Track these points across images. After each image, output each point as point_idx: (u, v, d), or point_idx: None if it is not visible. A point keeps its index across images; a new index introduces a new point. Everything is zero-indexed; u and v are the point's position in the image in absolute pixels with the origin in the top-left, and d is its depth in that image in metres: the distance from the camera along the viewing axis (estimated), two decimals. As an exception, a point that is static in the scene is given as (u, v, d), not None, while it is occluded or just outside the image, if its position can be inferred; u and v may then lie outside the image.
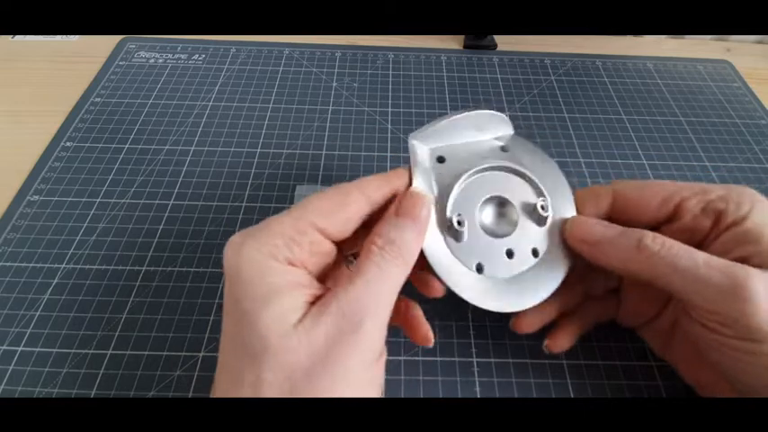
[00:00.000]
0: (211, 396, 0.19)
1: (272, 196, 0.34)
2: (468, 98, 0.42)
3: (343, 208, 0.21)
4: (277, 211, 0.33)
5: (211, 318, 0.28)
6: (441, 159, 0.25)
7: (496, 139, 0.27)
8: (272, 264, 0.19)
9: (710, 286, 0.20)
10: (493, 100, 0.42)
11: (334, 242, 0.22)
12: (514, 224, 0.24)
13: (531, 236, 0.24)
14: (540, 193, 0.25)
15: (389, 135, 0.39)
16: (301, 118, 0.40)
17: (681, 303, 0.24)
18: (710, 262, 0.20)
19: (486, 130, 0.26)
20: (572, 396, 0.26)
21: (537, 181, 0.25)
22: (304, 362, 0.18)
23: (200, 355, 0.27)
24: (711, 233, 0.23)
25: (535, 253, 0.24)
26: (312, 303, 0.19)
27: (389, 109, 0.41)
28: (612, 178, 0.37)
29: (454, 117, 0.25)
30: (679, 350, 0.25)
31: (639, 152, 0.39)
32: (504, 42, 0.48)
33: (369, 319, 0.19)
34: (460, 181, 0.24)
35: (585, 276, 0.26)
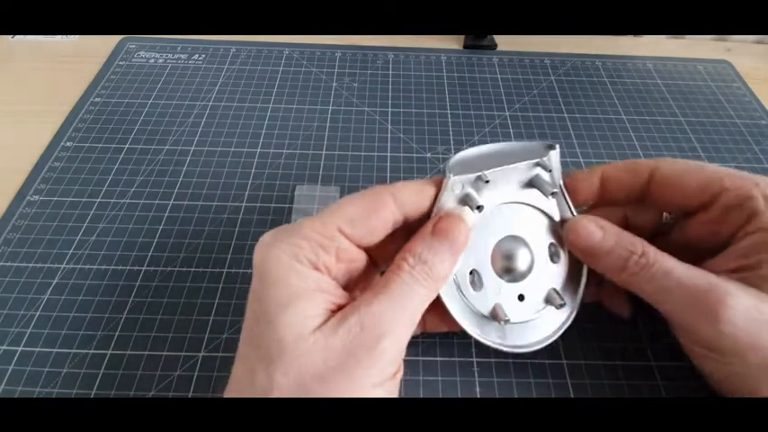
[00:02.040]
0: (226, 389, 0.19)
1: (272, 196, 0.34)
2: (468, 98, 0.42)
3: (373, 215, 0.21)
4: (277, 211, 0.33)
5: (211, 318, 0.28)
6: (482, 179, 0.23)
7: (531, 161, 0.24)
8: (296, 266, 0.19)
9: (683, 303, 0.21)
10: (493, 100, 0.42)
11: (364, 248, 0.22)
12: (528, 268, 0.24)
13: (545, 278, 0.24)
14: (556, 237, 0.24)
15: (389, 135, 0.39)
16: (301, 118, 0.40)
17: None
18: (686, 278, 0.21)
19: (522, 156, 0.24)
20: (572, 396, 0.26)
21: (557, 218, 0.24)
22: (318, 368, 0.18)
23: (200, 355, 0.27)
24: (741, 230, 0.23)
25: (549, 299, 0.24)
26: (334, 311, 0.19)
27: (389, 109, 0.41)
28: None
29: (487, 147, 0.24)
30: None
31: (639, 152, 0.39)
32: (504, 42, 0.48)
33: (388, 337, 0.19)
34: (481, 215, 0.23)
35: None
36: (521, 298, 0.24)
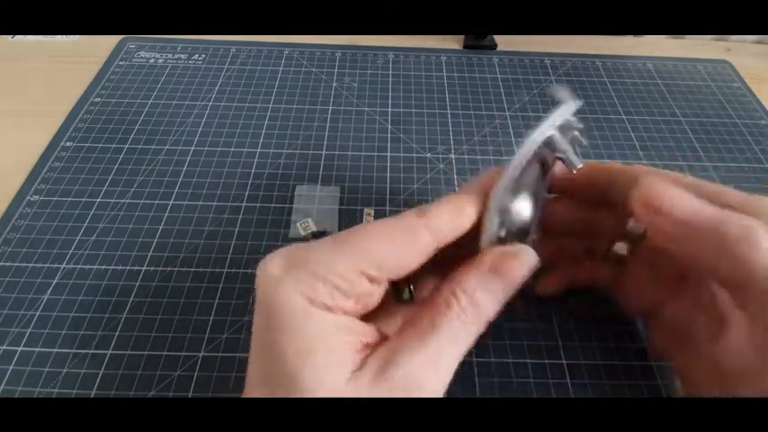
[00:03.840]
0: None
1: (272, 196, 0.34)
2: (468, 98, 0.42)
3: (404, 255, 0.18)
4: (277, 211, 0.33)
5: (211, 318, 0.28)
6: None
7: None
8: (311, 310, 0.17)
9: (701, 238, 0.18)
10: (493, 100, 0.42)
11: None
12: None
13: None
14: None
15: (389, 135, 0.39)
16: (301, 118, 0.40)
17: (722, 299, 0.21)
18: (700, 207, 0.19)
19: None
20: (572, 396, 0.26)
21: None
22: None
23: (200, 355, 0.27)
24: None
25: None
26: (364, 347, 0.18)
27: (389, 109, 0.41)
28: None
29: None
30: (693, 350, 0.23)
31: (639, 152, 0.39)
32: (504, 42, 0.48)
33: (434, 389, 0.17)
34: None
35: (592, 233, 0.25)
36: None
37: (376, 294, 0.19)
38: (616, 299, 0.27)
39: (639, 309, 0.26)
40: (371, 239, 0.18)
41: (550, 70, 0.46)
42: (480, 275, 0.18)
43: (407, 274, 0.19)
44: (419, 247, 0.18)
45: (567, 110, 0.22)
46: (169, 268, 0.30)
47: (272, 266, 0.18)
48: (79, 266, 0.30)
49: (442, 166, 0.37)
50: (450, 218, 0.19)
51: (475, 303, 0.18)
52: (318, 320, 0.17)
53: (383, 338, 0.19)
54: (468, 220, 0.19)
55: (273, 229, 0.32)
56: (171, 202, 0.34)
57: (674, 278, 0.24)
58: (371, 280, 0.18)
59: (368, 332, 0.19)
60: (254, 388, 0.18)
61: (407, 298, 0.21)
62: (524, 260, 0.19)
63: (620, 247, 0.26)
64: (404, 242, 0.18)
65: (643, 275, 0.25)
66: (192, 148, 0.37)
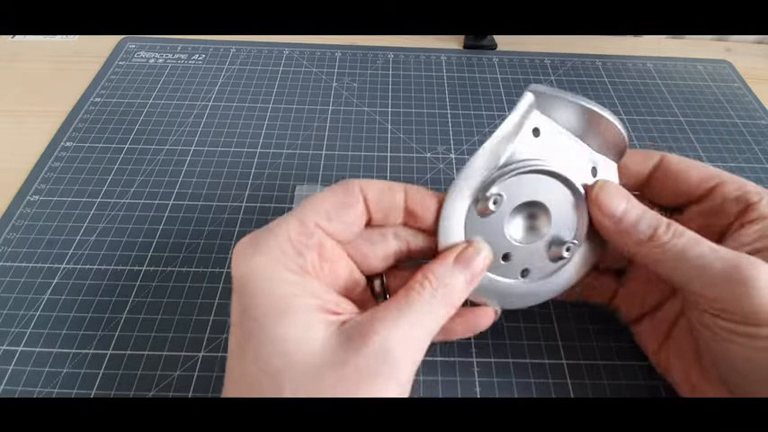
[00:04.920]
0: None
1: (272, 196, 0.34)
2: (468, 98, 0.42)
3: (346, 208, 0.21)
4: (277, 211, 0.33)
5: (211, 318, 0.28)
6: (536, 132, 0.22)
7: (597, 152, 0.24)
8: (283, 273, 0.19)
9: (714, 273, 0.20)
10: (493, 100, 0.42)
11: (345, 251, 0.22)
12: (533, 240, 0.23)
13: (535, 258, 0.23)
14: (577, 236, 0.23)
15: (389, 135, 0.39)
16: (301, 118, 0.40)
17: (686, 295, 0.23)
18: (716, 251, 0.20)
19: (596, 138, 0.23)
20: (572, 396, 0.26)
21: (586, 223, 0.23)
22: (331, 384, 0.17)
23: (200, 355, 0.27)
24: (737, 221, 0.23)
25: (524, 273, 0.23)
26: (336, 315, 0.19)
27: (389, 109, 0.41)
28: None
29: (584, 102, 0.22)
30: (675, 350, 0.25)
31: (639, 152, 0.39)
32: (504, 42, 0.48)
33: (407, 362, 0.18)
34: (530, 168, 0.21)
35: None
36: (505, 257, 0.22)
37: (337, 258, 0.21)
38: (615, 308, 0.27)
39: (633, 316, 0.27)
40: (317, 199, 0.21)
41: (550, 70, 0.46)
42: (445, 263, 0.21)
43: (355, 234, 0.22)
44: (356, 202, 0.21)
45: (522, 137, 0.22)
46: (169, 268, 0.30)
47: (242, 246, 0.20)
48: (79, 266, 0.30)
49: (442, 166, 0.37)
50: (380, 186, 0.22)
51: (444, 285, 0.20)
52: (290, 280, 0.19)
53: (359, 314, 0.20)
54: (396, 200, 0.22)
55: (273, 229, 0.32)
56: (171, 202, 0.34)
57: (668, 286, 0.25)
58: (326, 233, 0.21)
59: (341, 303, 0.20)
60: (230, 351, 0.19)
61: (379, 292, 0.23)
62: (480, 250, 0.21)
63: (622, 260, 0.26)
64: (342, 197, 0.21)
65: (640, 286, 0.26)
66: (192, 148, 0.37)
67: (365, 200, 0.21)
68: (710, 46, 0.51)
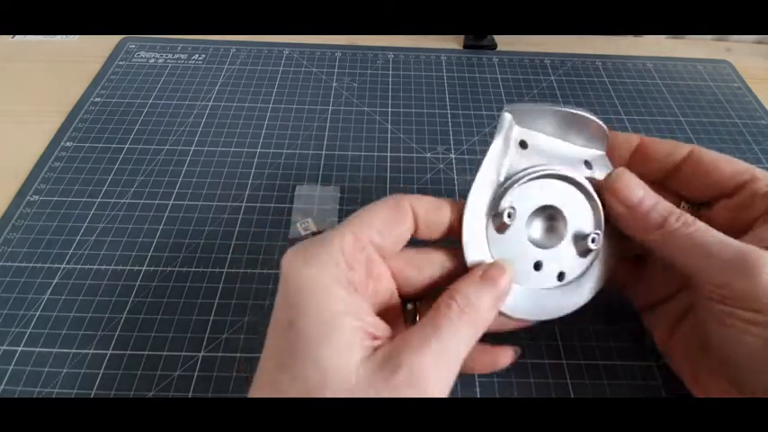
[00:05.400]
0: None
1: (272, 196, 0.34)
2: (468, 98, 0.42)
3: (398, 224, 0.21)
4: (277, 211, 0.33)
5: (211, 318, 0.28)
6: (523, 144, 0.24)
7: (585, 148, 0.25)
8: (335, 288, 0.19)
9: (721, 260, 0.20)
10: (493, 100, 0.42)
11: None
12: (558, 242, 0.23)
13: (565, 259, 0.24)
14: (598, 225, 0.24)
15: (389, 135, 0.39)
16: (301, 118, 0.40)
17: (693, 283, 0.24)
18: (725, 240, 0.21)
19: (580, 136, 0.25)
20: (572, 396, 0.26)
21: (602, 212, 0.24)
22: None
23: (200, 355, 0.27)
24: (762, 217, 0.23)
25: (561, 277, 0.24)
26: (374, 339, 0.19)
27: (389, 109, 0.41)
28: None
29: (558, 108, 0.24)
30: (683, 340, 0.25)
31: (639, 152, 0.39)
32: (504, 42, 0.48)
33: (436, 386, 0.18)
34: (533, 175, 0.23)
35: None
36: (537, 266, 0.23)
37: (383, 274, 0.21)
38: (628, 296, 0.27)
39: (648, 303, 0.27)
40: (369, 214, 0.21)
41: (550, 70, 0.46)
42: (471, 282, 0.21)
43: (400, 249, 0.22)
44: (405, 217, 0.21)
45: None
46: (169, 268, 0.30)
47: (296, 253, 0.20)
48: (79, 266, 0.30)
49: (442, 166, 0.37)
50: (428, 204, 0.22)
51: (471, 305, 0.20)
52: (340, 297, 0.19)
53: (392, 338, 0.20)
54: (443, 215, 0.22)
55: (273, 229, 0.32)
56: (171, 202, 0.34)
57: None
58: (377, 249, 0.21)
59: (379, 326, 0.20)
60: (266, 359, 0.19)
61: (410, 314, 0.23)
62: (504, 268, 0.21)
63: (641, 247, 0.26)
64: (394, 212, 0.21)
65: (658, 273, 0.26)
66: (192, 148, 0.37)
67: (415, 215, 0.22)
68: (710, 46, 0.51)
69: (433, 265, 0.23)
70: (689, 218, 0.22)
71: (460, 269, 0.22)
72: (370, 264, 0.21)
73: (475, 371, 0.24)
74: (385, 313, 0.22)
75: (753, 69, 0.47)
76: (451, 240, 0.23)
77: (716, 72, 0.47)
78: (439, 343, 0.19)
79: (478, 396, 0.26)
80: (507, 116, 0.23)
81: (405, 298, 0.23)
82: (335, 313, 0.18)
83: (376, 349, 0.19)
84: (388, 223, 0.21)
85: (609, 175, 0.24)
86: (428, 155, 0.38)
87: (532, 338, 0.28)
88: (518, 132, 0.24)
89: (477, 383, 0.26)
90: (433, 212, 0.22)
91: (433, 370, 0.18)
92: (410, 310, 0.23)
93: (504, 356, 0.24)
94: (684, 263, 0.22)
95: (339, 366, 0.17)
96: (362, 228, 0.20)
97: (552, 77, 0.45)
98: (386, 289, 0.22)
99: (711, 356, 0.23)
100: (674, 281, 0.26)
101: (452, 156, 0.38)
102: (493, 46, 0.48)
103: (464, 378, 0.26)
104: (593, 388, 0.26)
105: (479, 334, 0.20)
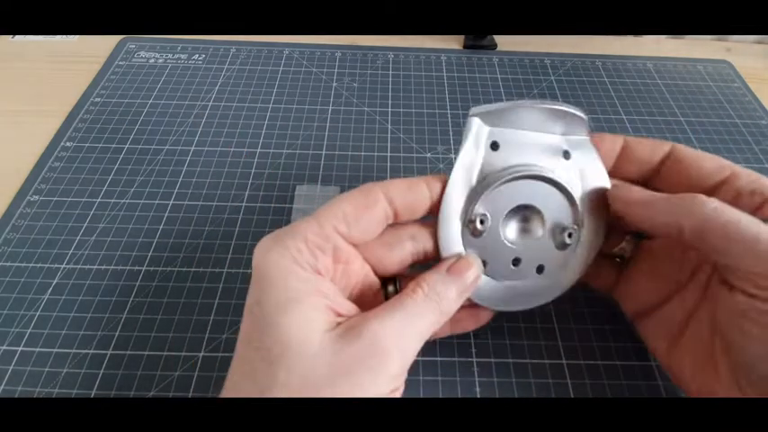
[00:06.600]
0: (223, 391, 0.19)
1: (272, 196, 0.34)
2: (468, 98, 0.42)
3: (366, 212, 0.22)
4: (277, 211, 0.33)
5: (211, 318, 0.28)
6: (494, 146, 0.23)
7: (564, 136, 0.24)
8: (296, 269, 0.20)
9: (764, 246, 0.19)
10: (493, 100, 0.42)
11: (359, 252, 0.22)
12: (536, 238, 0.24)
13: (544, 253, 0.24)
14: (574, 219, 0.24)
15: (389, 135, 0.39)
16: (301, 118, 0.40)
17: (714, 277, 0.23)
18: (761, 224, 0.20)
19: (557, 125, 0.24)
20: (572, 396, 0.26)
21: (580, 206, 0.24)
22: (324, 371, 0.18)
23: (200, 355, 0.27)
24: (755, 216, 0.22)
25: (540, 270, 0.24)
26: (339, 316, 0.20)
27: (389, 109, 0.41)
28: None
29: (526, 102, 0.24)
30: (687, 350, 0.24)
31: (639, 152, 0.39)
32: (504, 42, 0.48)
33: (396, 356, 0.19)
34: (502, 180, 0.23)
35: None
36: (515, 262, 0.24)
37: (352, 260, 0.22)
38: (616, 300, 0.27)
39: (637, 310, 0.26)
40: (338, 202, 0.22)
41: (550, 70, 0.46)
42: (438, 273, 0.22)
43: (373, 236, 0.22)
44: (377, 208, 0.22)
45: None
46: (169, 268, 0.30)
47: (264, 241, 0.21)
48: (79, 266, 0.30)
49: (441, 166, 0.37)
50: (403, 188, 0.22)
51: (436, 293, 0.21)
52: (302, 278, 0.20)
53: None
54: (420, 194, 0.22)
55: (273, 230, 0.32)
56: (171, 202, 0.34)
57: (675, 279, 0.25)
58: (344, 237, 0.21)
59: (346, 305, 0.21)
60: (239, 341, 0.20)
61: (392, 295, 0.24)
62: (470, 263, 0.22)
63: (623, 248, 0.26)
64: (364, 202, 0.22)
65: (644, 276, 0.26)
66: (192, 148, 0.37)
67: (390, 201, 0.22)
68: (710, 46, 0.51)
69: (402, 241, 0.23)
70: (720, 201, 0.21)
71: (435, 245, 0.23)
72: (337, 251, 0.21)
73: (467, 329, 0.25)
74: (364, 295, 0.23)
75: (753, 69, 0.47)
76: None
77: (716, 72, 0.47)
78: (403, 317, 0.20)
79: (478, 396, 0.26)
80: (475, 120, 0.23)
81: (384, 279, 0.24)
82: (299, 291, 0.19)
83: (340, 324, 0.19)
84: (356, 212, 0.21)
85: (610, 191, 0.24)
86: (428, 155, 0.38)
87: (532, 338, 0.28)
88: (489, 133, 0.24)
89: (477, 383, 0.26)
90: (408, 194, 0.22)
91: (395, 341, 0.19)
92: (391, 291, 0.24)
93: (485, 313, 0.25)
94: (720, 247, 0.20)
95: (300, 335, 0.18)
96: (328, 217, 0.21)
97: (552, 77, 0.45)
98: (360, 271, 0.23)
99: (721, 364, 0.22)
100: (663, 284, 0.25)
101: (452, 156, 0.38)
102: (493, 46, 0.48)
103: (464, 378, 0.26)
104: (593, 388, 0.26)
105: (443, 320, 0.21)
